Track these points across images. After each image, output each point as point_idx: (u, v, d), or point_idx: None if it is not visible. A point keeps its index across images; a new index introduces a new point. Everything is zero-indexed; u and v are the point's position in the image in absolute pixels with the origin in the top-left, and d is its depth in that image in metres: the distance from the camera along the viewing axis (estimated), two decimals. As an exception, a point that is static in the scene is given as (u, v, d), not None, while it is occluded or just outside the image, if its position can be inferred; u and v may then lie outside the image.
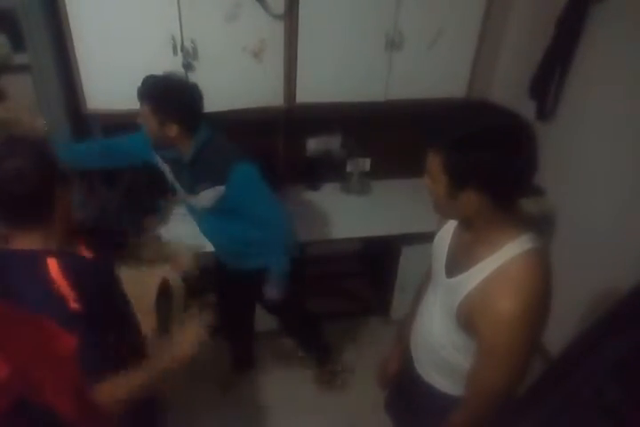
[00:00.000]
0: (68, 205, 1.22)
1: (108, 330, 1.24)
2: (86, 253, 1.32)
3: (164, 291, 2.11)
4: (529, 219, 1.20)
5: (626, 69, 2.13)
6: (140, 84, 1.79)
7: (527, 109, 2.61)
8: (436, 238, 1.39)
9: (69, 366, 0.92)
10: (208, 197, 1.88)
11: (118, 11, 1.98)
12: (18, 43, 2.10)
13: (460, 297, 1.17)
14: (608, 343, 1.28)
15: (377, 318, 3.05)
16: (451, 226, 1.33)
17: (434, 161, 1.10)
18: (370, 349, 2.83)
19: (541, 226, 2.62)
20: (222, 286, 2.35)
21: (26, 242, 1.16)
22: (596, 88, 2.30)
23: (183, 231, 2.45)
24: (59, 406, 0.85)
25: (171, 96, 1.75)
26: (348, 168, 2.90)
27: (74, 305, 1.14)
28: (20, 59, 2.15)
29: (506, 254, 1.11)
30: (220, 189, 1.84)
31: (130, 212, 2.37)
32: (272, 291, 2.01)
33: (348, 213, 2.67)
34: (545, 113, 2.51)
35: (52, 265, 1.15)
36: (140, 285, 2.09)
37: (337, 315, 3.04)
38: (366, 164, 2.92)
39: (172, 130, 1.77)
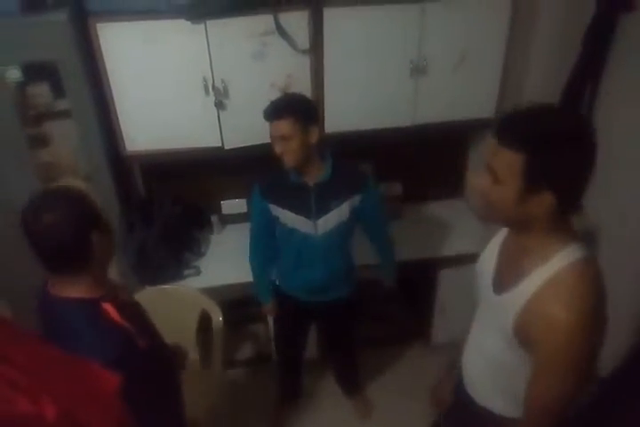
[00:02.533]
0: (107, 252, 1.24)
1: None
2: (125, 295, 1.37)
3: (204, 324, 2.15)
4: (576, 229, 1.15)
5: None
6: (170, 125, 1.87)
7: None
8: (481, 258, 1.35)
9: (115, 405, 0.94)
10: (344, 211, 1.95)
11: (152, 56, 2.08)
12: (59, 90, 2.22)
13: (514, 312, 1.13)
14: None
15: (416, 343, 3.00)
16: (495, 244, 1.30)
17: (507, 161, 1.03)
18: (410, 374, 2.79)
19: (586, 241, 2.55)
20: (291, 320, 2.34)
21: (76, 289, 1.20)
22: (629, 102, 2.26)
23: (220, 262, 2.51)
24: (104, 446, 0.87)
25: (308, 101, 1.92)
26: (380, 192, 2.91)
27: (142, 343, 1.19)
28: (62, 105, 2.28)
29: (558, 264, 1.08)
30: (357, 198, 1.95)
31: (169, 247, 2.43)
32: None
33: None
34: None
35: (111, 310, 1.19)
36: (179, 318, 2.13)
37: (375, 341, 3.01)
38: (398, 187, 2.93)
39: (315, 134, 1.83)
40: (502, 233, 1.30)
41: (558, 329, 1.04)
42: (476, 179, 1.12)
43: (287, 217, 1.96)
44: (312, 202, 1.93)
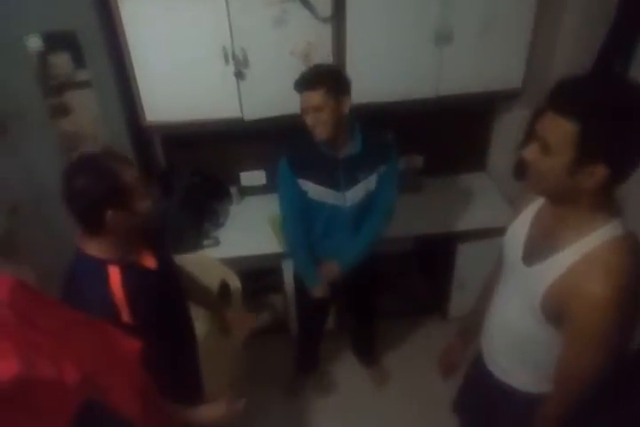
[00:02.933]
0: (125, 227, 1.26)
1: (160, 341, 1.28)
2: (151, 263, 1.39)
3: (223, 292, 2.17)
4: (619, 204, 1.11)
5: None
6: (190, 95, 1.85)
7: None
8: (510, 229, 1.33)
9: (135, 370, 0.97)
10: (371, 181, 1.96)
11: (172, 26, 2.05)
12: (79, 60, 2.22)
13: (545, 285, 1.12)
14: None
15: (434, 316, 3.02)
16: (528, 216, 1.27)
17: (559, 130, 0.99)
18: (427, 347, 2.81)
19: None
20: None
21: (91, 247, 1.28)
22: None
23: (239, 233, 2.53)
24: (125, 409, 0.89)
25: (339, 71, 1.90)
26: (402, 166, 2.87)
27: (125, 318, 1.24)
28: (83, 75, 2.27)
29: (597, 240, 1.06)
30: (382, 168, 1.95)
31: (189, 217, 2.45)
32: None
33: (401, 211, 2.64)
34: None
35: (114, 274, 1.25)
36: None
37: (393, 314, 3.03)
38: (419, 160, 2.89)
39: (347, 105, 1.82)
40: (536, 204, 1.26)
41: (593, 304, 1.03)
42: (529, 151, 1.07)
43: (316, 191, 1.95)
44: (341, 175, 1.93)
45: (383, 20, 2.20)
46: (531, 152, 1.06)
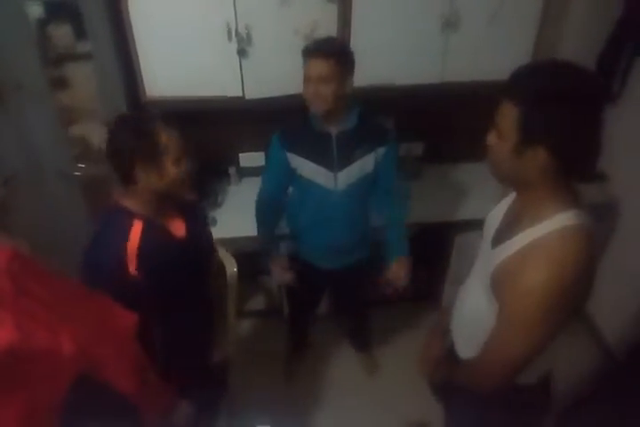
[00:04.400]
0: (156, 184, 1.34)
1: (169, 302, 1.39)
2: (179, 231, 1.47)
3: (218, 273, 2.17)
4: (580, 198, 1.14)
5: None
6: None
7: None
8: (490, 213, 1.37)
9: (130, 344, 0.96)
10: (367, 163, 1.90)
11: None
12: (80, 32, 2.18)
13: (495, 264, 1.16)
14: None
15: (427, 305, 3.03)
16: (505, 203, 1.32)
17: (506, 114, 1.05)
18: (418, 336, 2.82)
19: (605, 213, 2.52)
20: (306, 287, 2.29)
21: (125, 200, 1.39)
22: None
23: (236, 213, 2.51)
24: (118, 383, 0.89)
25: (349, 47, 1.85)
26: (401, 152, 2.86)
27: (132, 270, 1.31)
28: (83, 47, 2.24)
29: (548, 226, 1.08)
30: (381, 151, 1.91)
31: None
32: (399, 273, 2.08)
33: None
34: (611, 94, 2.39)
35: (137, 226, 1.35)
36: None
37: (388, 301, 3.04)
38: (419, 148, 2.87)
39: (350, 86, 1.81)
40: (513, 194, 1.31)
41: (525, 289, 1.05)
42: (489, 137, 1.13)
43: (306, 168, 1.89)
44: (334, 151, 1.87)
45: (390, 3, 2.16)
46: (489, 138, 1.13)
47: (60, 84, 2.52)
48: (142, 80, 2.19)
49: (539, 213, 1.10)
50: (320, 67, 1.71)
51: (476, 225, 2.52)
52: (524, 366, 1.15)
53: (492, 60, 2.37)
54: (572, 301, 1.06)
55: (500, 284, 1.14)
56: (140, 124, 1.31)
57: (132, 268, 1.31)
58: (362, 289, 2.47)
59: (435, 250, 2.87)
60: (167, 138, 1.32)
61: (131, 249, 1.31)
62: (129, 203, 1.38)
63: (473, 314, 1.30)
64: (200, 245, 1.60)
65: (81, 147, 2.48)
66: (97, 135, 2.56)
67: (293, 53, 2.20)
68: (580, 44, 2.57)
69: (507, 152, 1.07)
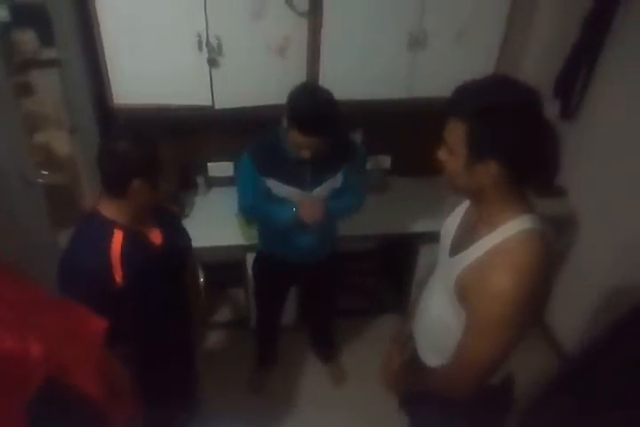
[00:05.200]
0: (146, 199, 1.35)
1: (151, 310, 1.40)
2: (157, 238, 1.47)
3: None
4: (532, 203, 1.20)
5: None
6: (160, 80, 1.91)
7: (551, 108, 2.59)
8: (445, 223, 1.40)
9: (97, 350, 0.94)
10: (337, 179, 1.98)
11: (145, 7, 2.01)
12: (46, 38, 2.14)
13: (457, 272, 1.18)
14: (625, 343, 1.27)
15: (393, 315, 3.05)
16: (461, 210, 1.36)
17: (455, 131, 1.08)
18: (386, 345, 2.84)
19: (564, 226, 2.61)
20: (273, 281, 2.33)
21: (107, 209, 1.35)
22: (622, 87, 2.28)
23: (204, 223, 2.49)
24: (86, 387, 0.87)
25: (338, 110, 1.81)
26: (368, 165, 2.90)
27: (118, 278, 1.30)
28: (48, 53, 2.20)
29: (505, 232, 1.12)
30: (350, 164, 1.98)
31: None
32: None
33: (365, 211, 2.66)
34: (569, 112, 2.49)
35: (117, 235, 1.33)
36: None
37: (353, 312, 3.05)
38: (387, 161, 2.92)
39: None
40: (466, 203, 1.36)
41: (490, 294, 1.08)
42: (440, 153, 1.17)
43: (281, 189, 1.95)
44: (308, 175, 1.93)
45: (360, 19, 2.22)
46: (440, 154, 1.17)
47: (25, 90, 2.47)
48: (110, 87, 2.17)
49: (494, 220, 1.14)
50: (313, 141, 1.76)
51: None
52: (496, 368, 1.17)
53: (458, 76, 2.43)
54: (536, 302, 1.09)
55: (464, 291, 1.17)
56: (143, 137, 1.31)
57: (118, 276, 1.30)
58: (328, 289, 2.48)
59: (401, 262, 2.91)
60: (166, 153, 1.34)
61: (114, 258, 1.30)
62: (109, 212, 1.36)
63: (438, 322, 1.32)
64: (176, 252, 1.59)
65: (44, 154, 2.43)
66: (62, 143, 2.51)
67: (264, 65, 2.24)
68: (540, 62, 2.69)
69: (459, 167, 1.11)
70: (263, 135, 1.95)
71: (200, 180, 2.73)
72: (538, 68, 2.70)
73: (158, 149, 1.32)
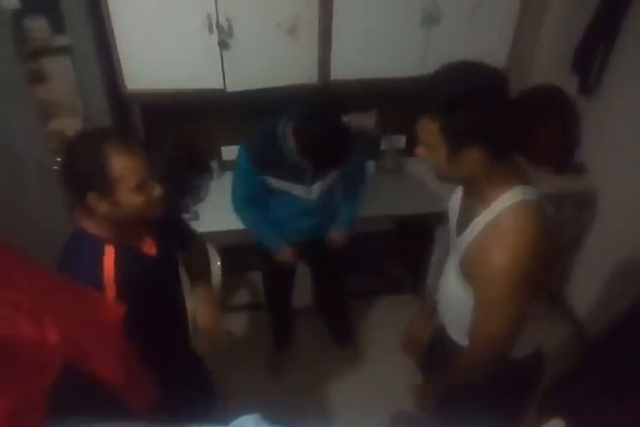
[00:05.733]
0: (111, 207, 1.23)
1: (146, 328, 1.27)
2: (151, 249, 1.38)
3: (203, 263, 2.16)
4: (526, 173, 1.22)
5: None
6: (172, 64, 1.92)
7: (570, 84, 2.53)
8: (449, 204, 1.43)
9: (116, 334, 0.96)
10: (337, 174, 2.01)
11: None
12: (57, 25, 2.14)
13: (461, 251, 1.22)
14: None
15: (411, 296, 3.05)
16: (459, 192, 1.38)
17: (428, 129, 1.10)
18: (402, 327, 2.86)
19: (584, 202, 2.57)
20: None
21: (90, 225, 1.27)
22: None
23: (219, 207, 2.50)
24: (104, 373, 0.89)
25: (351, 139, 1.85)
26: (383, 146, 2.87)
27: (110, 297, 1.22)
28: (60, 41, 2.20)
29: (498, 207, 1.14)
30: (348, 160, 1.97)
31: (168, 191, 2.41)
32: (336, 241, 2.22)
33: (382, 192, 2.65)
34: (588, 87, 2.43)
35: (109, 253, 1.24)
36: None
37: (370, 293, 3.05)
38: (401, 141, 2.89)
39: None
40: None
41: (491, 270, 1.10)
42: (419, 151, 1.18)
43: (281, 185, 1.98)
44: (307, 176, 1.96)
45: (371, -2, 2.17)
46: (419, 151, 1.18)
47: (38, 78, 2.48)
48: (122, 73, 2.16)
49: (486, 197, 1.17)
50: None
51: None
52: (510, 340, 1.18)
53: (472, 53, 2.37)
54: (537, 270, 1.11)
55: (467, 269, 1.20)
56: (97, 145, 1.18)
57: (111, 295, 1.22)
58: (337, 270, 2.51)
59: (417, 242, 2.90)
60: (123, 164, 1.19)
61: (107, 278, 1.23)
62: (94, 228, 1.27)
63: (456, 299, 1.34)
64: (172, 260, 1.53)
65: (59, 141, 2.44)
66: (76, 130, 2.52)
67: (275, 46, 2.21)
68: (557, 39, 2.61)
69: (442, 161, 1.13)
70: (259, 134, 1.96)
71: (214, 164, 2.73)
72: (555, 44, 2.62)
73: (113, 161, 1.17)
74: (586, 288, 2.68)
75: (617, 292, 2.44)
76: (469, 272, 1.20)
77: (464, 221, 1.26)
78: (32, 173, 2.31)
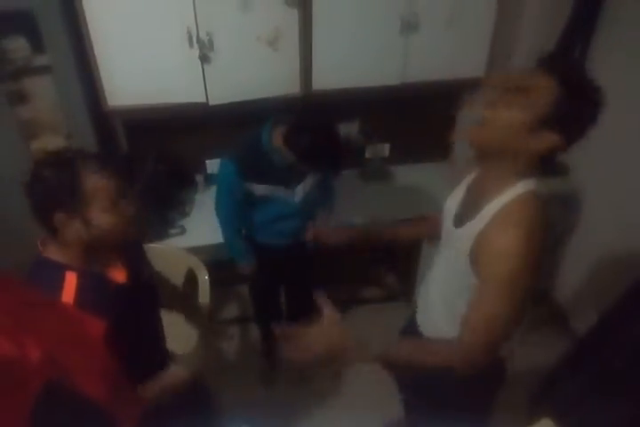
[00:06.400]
0: (81, 228, 1.17)
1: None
2: (120, 276, 1.30)
3: (190, 282, 2.15)
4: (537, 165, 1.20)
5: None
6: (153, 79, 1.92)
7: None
8: (448, 199, 1.41)
9: (98, 350, 0.94)
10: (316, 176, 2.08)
11: (134, 6, 2.00)
12: (37, 45, 2.14)
13: (470, 242, 1.20)
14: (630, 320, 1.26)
15: (400, 304, 3.04)
16: (463, 186, 1.38)
17: (546, 90, 1.06)
18: (394, 334, 2.84)
19: (569, 203, 2.59)
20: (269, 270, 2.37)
21: (52, 251, 1.21)
22: (620, 61, 2.24)
23: (205, 221, 2.49)
24: (88, 389, 0.87)
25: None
26: (367, 154, 2.88)
27: None
28: (40, 60, 2.19)
29: (508, 196, 1.16)
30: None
31: (153, 206, 2.40)
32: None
33: (367, 200, 2.66)
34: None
35: (70, 281, 1.17)
36: (165, 276, 2.13)
37: (360, 302, 3.04)
38: (385, 149, 2.91)
39: None
40: (468, 178, 1.38)
41: (497, 253, 1.11)
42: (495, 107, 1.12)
43: (265, 190, 2.01)
44: (292, 175, 2.01)
45: (350, 7, 2.20)
46: (495, 104, 1.12)
47: (20, 98, 2.47)
48: (103, 90, 2.16)
49: (503, 182, 1.17)
50: None
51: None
52: (509, 332, 1.17)
53: (452, 59, 2.42)
54: (537, 262, 1.11)
55: (476, 257, 1.18)
56: (66, 164, 1.14)
57: None
58: (308, 265, 2.51)
59: (405, 249, 2.90)
60: (94, 183, 1.14)
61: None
62: (56, 254, 1.20)
63: (449, 291, 1.34)
64: (146, 286, 1.44)
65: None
66: (59, 148, 2.51)
67: (256, 58, 2.22)
68: (535, 44, 2.65)
69: (519, 123, 1.08)
70: (243, 142, 1.98)
71: (199, 177, 2.72)
72: (533, 45, 2.65)
73: (84, 179, 1.13)
74: (572, 287, 2.70)
75: (603, 290, 2.46)
76: (477, 259, 1.17)
77: (469, 211, 1.25)
78: (17, 194, 2.28)
